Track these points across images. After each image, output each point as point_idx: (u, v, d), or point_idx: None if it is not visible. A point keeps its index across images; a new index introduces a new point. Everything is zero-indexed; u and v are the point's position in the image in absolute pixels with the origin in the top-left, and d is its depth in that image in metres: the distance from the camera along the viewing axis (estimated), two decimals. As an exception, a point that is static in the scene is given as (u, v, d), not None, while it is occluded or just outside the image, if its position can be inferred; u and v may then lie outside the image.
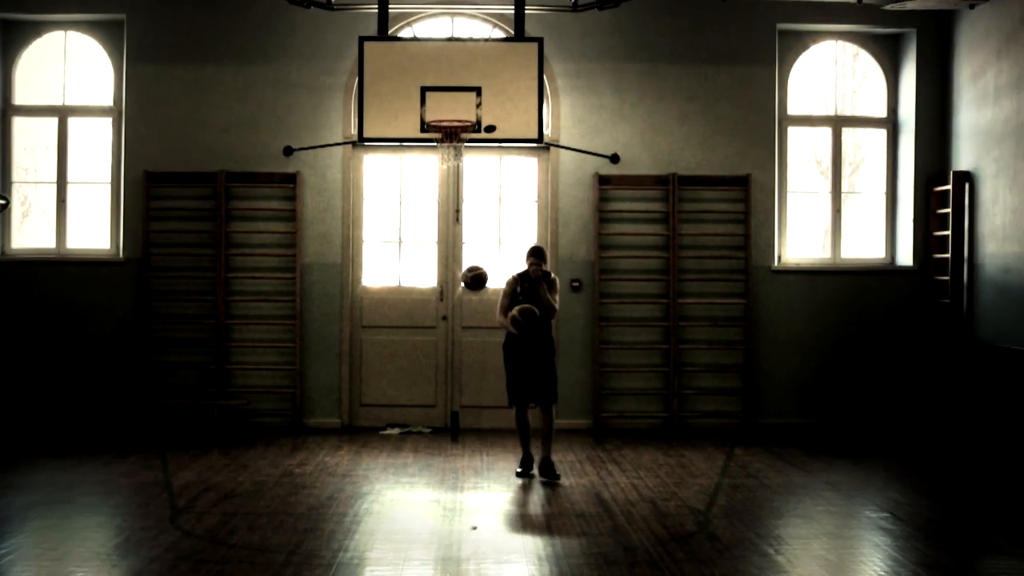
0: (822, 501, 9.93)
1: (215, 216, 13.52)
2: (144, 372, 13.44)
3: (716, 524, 8.95)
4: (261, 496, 9.87)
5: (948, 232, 13.56)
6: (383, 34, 12.13)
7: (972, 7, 13.25)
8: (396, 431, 13.48)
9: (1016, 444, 12.03)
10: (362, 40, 11.97)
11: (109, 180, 13.77)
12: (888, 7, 13.40)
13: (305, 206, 13.68)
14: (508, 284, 11.01)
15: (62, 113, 13.87)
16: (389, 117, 11.83)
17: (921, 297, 14.05)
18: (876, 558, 8.19)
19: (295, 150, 13.60)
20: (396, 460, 11.74)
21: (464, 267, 12.37)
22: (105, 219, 13.80)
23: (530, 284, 10.91)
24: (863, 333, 14.01)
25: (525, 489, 10.32)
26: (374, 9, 12.28)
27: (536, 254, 10.94)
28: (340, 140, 13.66)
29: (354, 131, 13.29)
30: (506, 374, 11.02)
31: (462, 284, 11.77)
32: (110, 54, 13.80)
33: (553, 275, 11.19)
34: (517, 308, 10.70)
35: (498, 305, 10.99)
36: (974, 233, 13.37)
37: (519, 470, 10.89)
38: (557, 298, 11.02)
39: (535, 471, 10.87)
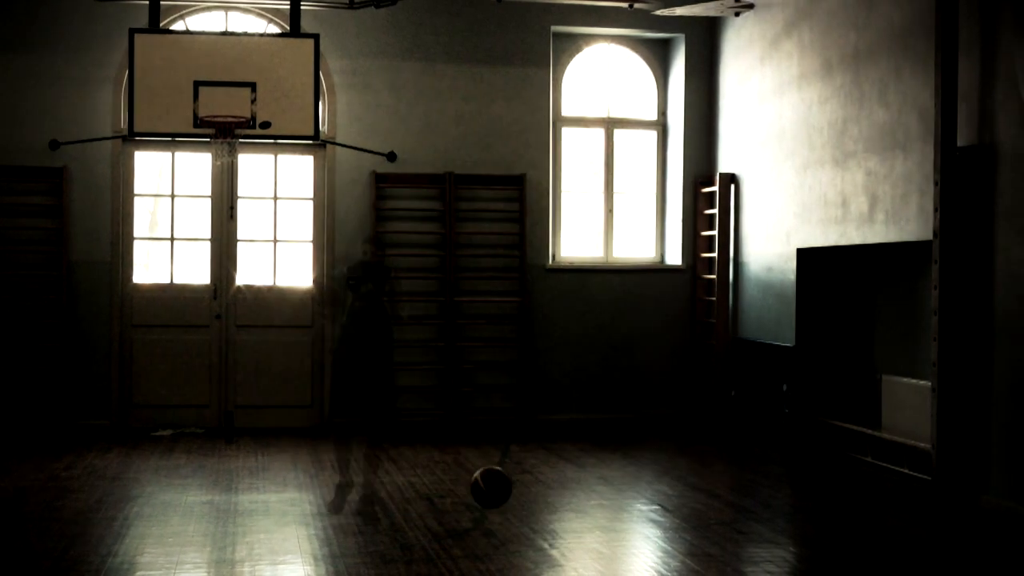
0: (595, 495, 10.15)
1: (-25, 211, 13.01)
2: (-102, 374, 12.83)
3: (492, 520, 9.05)
4: (25, 501, 9.53)
5: (715, 232, 14.02)
6: (154, 26, 11.86)
7: (737, 15, 13.71)
8: (168, 432, 13.21)
9: (774, 435, 12.52)
10: (132, 32, 11.65)
11: None
12: (658, 13, 13.75)
13: (72, 202, 13.24)
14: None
15: None
16: (161, 111, 11.55)
17: (689, 295, 14.49)
18: (647, 550, 8.41)
19: (62, 144, 13.15)
20: (168, 462, 11.50)
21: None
22: None
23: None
24: (635, 330, 14.36)
25: (300, 488, 10.24)
26: (145, 1, 12.00)
27: (372, 241, 10.68)
28: (109, 134, 13.28)
29: (124, 125, 12.92)
30: (332, 380, 9.97)
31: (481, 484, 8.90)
32: None
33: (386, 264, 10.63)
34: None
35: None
36: (739, 233, 13.84)
37: (334, 499, 9.74)
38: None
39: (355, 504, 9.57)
